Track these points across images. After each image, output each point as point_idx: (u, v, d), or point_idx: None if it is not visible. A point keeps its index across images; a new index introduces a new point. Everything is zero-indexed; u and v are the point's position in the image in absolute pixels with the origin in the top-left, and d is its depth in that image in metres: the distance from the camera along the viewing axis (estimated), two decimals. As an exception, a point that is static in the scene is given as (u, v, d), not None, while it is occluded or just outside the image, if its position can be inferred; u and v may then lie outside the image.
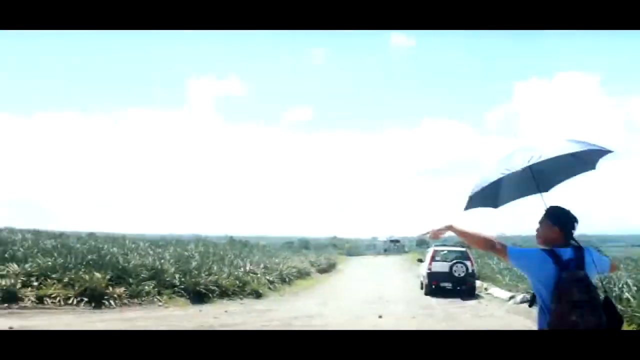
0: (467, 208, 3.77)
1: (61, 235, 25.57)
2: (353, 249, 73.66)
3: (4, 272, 14.34)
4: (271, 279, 20.78)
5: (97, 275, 14.43)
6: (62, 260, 15.99)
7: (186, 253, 22.77)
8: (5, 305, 12.81)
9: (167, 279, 16.07)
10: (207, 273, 17.53)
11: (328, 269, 35.09)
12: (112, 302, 13.80)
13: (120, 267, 15.96)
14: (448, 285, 20.44)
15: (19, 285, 13.59)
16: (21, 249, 17.67)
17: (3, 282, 13.51)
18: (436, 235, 3.76)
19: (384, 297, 19.19)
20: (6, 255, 16.32)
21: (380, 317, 13.88)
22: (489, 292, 21.09)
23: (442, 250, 21.80)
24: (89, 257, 17.01)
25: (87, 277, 14.29)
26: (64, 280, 14.33)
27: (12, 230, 24.62)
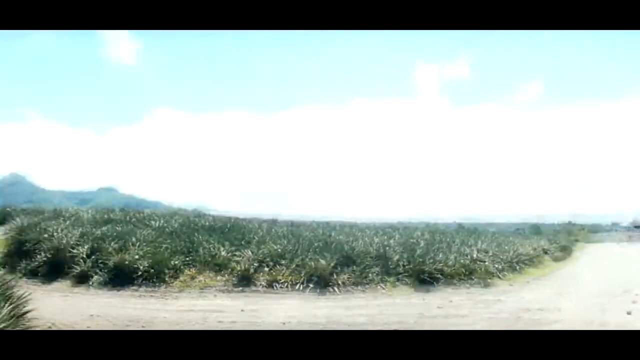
0: None
1: (292, 223, 26.85)
2: (591, 235, 67.28)
3: (240, 258, 15.32)
4: (500, 267, 19.41)
5: (322, 262, 14.68)
6: (290, 247, 16.64)
7: (412, 240, 22.36)
8: (240, 288, 13.63)
9: (391, 266, 15.76)
10: (431, 260, 16.87)
11: (563, 256, 32.02)
12: (336, 288, 13.88)
13: (345, 253, 16.05)
14: None
15: (252, 270, 14.38)
16: (255, 237, 18.80)
17: (238, 267, 14.42)
18: None
19: (633, 290, 16.79)
20: (243, 242, 17.49)
21: (628, 313, 12.05)
22: None
23: None
24: (316, 244, 17.49)
25: (313, 263, 14.61)
26: (292, 266, 14.84)
27: (250, 220, 26.43)
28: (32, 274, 14.12)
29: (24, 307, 6.53)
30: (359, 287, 14.25)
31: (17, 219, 19.37)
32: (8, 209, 25.79)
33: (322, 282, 14.01)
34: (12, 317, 5.55)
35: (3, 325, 5.13)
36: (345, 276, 14.56)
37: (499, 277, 18.15)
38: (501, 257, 20.73)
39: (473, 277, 16.64)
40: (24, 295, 6.88)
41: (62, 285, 13.31)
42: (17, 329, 5.45)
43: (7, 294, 6.33)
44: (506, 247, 24.15)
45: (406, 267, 15.76)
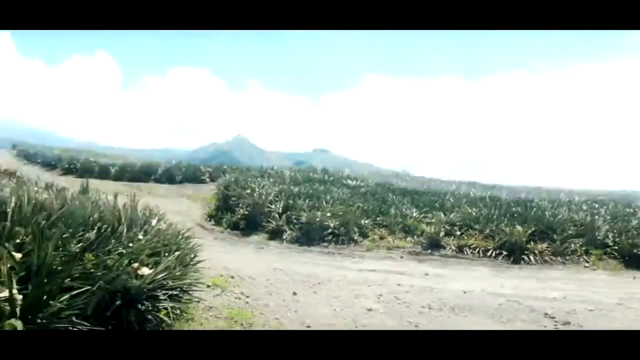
0: None
1: (494, 186, 25.69)
2: None
3: (432, 220, 14.99)
4: None
5: (519, 228, 13.74)
6: (486, 212, 15.90)
7: (628, 209, 20.13)
8: (429, 251, 13.32)
9: (598, 238, 14.24)
10: (649, 233, 14.93)
11: None
12: (531, 258, 12.91)
13: (545, 221, 14.87)
14: None
15: (442, 234, 13.98)
16: (451, 199, 18.30)
17: (429, 230, 14.10)
18: None
19: None
20: (436, 205, 17.12)
21: None
22: None
23: None
24: (514, 209, 16.50)
25: (507, 230, 13.76)
26: (485, 232, 14.16)
27: (449, 182, 25.84)
28: (235, 226, 15.24)
29: (195, 256, 6.92)
30: (558, 259, 13.09)
31: (227, 176, 21.00)
32: (224, 167, 28.20)
33: (516, 250, 13.13)
34: (180, 264, 5.91)
35: (168, 272, 5.46)
36: (544, 245, 13.48)
37: None
38: None
39: (703, 256, 14.37)
40: (196, 245, 7.30)
41: (259, 238, 14.17)
42: (184, 276, 5.78)
43: (180, 243, 6.76)
44: None
45: (616, 239, 14.12)
